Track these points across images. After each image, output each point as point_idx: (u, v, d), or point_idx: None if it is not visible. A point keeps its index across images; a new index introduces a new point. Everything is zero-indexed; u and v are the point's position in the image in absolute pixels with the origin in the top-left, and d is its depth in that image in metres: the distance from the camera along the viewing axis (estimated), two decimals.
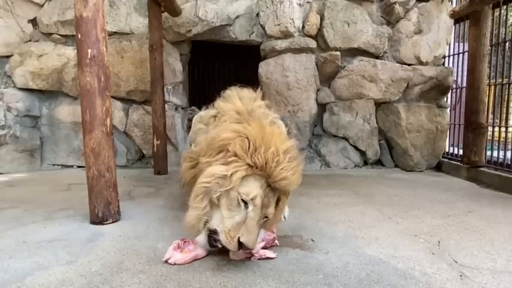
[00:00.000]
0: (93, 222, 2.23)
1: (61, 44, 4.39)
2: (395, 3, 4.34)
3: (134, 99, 4.50)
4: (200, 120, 2.28)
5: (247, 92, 2.25)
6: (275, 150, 1.58)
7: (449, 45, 4.72)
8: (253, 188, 1.56)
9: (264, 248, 1.77)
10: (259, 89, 2.32)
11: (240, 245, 1.51)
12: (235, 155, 1.59)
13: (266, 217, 1.63)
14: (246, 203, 1.56)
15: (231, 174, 1.56)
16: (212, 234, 1.64)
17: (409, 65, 4.51)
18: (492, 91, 4.01)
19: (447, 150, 4.77)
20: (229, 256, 1.70)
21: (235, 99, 2.10)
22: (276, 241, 1.87)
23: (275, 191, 1.64)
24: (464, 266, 1.69)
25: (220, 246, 1.60)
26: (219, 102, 2.18)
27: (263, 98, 2.28)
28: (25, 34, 4.34)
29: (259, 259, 1.71)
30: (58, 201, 2.80)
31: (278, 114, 2.29)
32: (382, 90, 4.48)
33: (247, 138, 1.62)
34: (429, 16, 4.46)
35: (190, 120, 2.73)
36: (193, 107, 2.95)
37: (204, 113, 2.32)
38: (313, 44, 4.41)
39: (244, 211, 1.56)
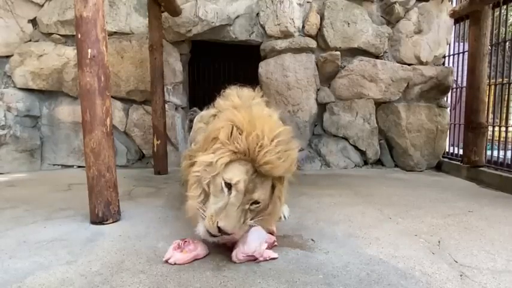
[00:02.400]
0: (93, 222, 2.23)
1: (61, 44, 4.39)
2: (395, 3, 4.34)
3: (134, 99, 4.50)
4: (201, 120, 2.30)
5: (246, 91, 2.26)
6: (259, 134, 1.59)
7: (450, 45, 4.71)
8: (236, 174, 1.59)
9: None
10: (257, 88, 2.33)
11: (221, 230, 1.54)
12: (220, 142, 1.64)
13: (257, 202, 1.63)
14: (229, 188, 1.59)
15: (216, 161, 1.60)
16: None
17: (409, 64, 4.51)
18: (492, 91, 4.01)
19: (447, 150, 4.77)
20: (231, 259, 1.69)
21: (234, 97, 2.11)
22: (275, 242, 1.86)
23: (264, 177, 1.63)
24: (464, 265, 1.69)
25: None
26: (219, 101, 2.19)
27: (262, 97, 2.28)
28: (25, 34, 4.34)
29: (264, 260, 1.69)
30: (58, 201, 2.80)
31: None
32: (382, 90, 4.48)
33: (233, 124, 1.65)
34: (429, 16, 4.46)
35: (191, 121, 2.74)
36: (194, 108, 2.96)
37: (205, 113, 2.34)
38: (313, 43, 4.41)
39: (227, 197, 1.59)
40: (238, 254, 1.67)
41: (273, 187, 1.71)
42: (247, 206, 1.62)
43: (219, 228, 1.54)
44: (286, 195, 1.84)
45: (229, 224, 1.53)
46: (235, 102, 2.02)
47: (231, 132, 1.64)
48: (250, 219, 1.67)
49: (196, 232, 1.68)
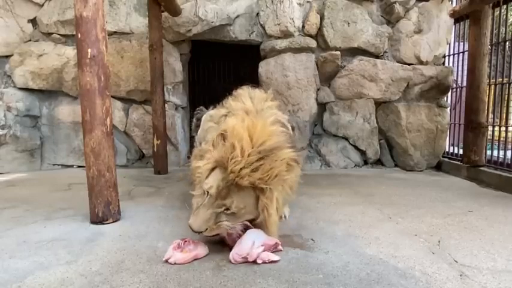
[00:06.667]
0: (93, 222, 2.23)
1: (61, 43, 4.39)
2: (395, 2, 4.34)
3: (134, 99, 4.50)
4: (210, 119, 2.31)
5: (258, 92, 2.26)
6: (235, 144, 1.63)
7: (450, 44, 4.71)
8: (212, 179, 1.68)
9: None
10: (270, 90, 2.35)
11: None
12: (208, 149, 1.79)
13: (227, 209, 1.65)
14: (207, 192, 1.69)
15: (203, 166, 1.74)
16: None
17: (409, 64, 4.50)
18: (492, 90, 4.00)
19: (447, 149, 4.77)
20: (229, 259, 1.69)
21: (246, 98, 2.13)
22: (280, 246, 1.81)
23: (241, 186, 1.64)
24: (464, 265, 1.69)
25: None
26: (230, 102, 2.21)
27: (274, 99, 2.28)
28: (25, 34, 4.34)
29: (263, 262, 1.67)
30: (58, 201, 2.80)
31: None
32: (382, 90, 4.48)
33: (221, 133, 1.74)
34: (429, 15, 4.46)
35: (199, 119, 2.76)
36: (201, 107, 2.98)
37: (214, 112, 2.35)
38: (313, 43, 4.41)
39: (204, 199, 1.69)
40: (233, 254, 1.67)
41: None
42: (219, 210, 1.66)
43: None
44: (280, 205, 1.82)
45: (194, 223, 1.64)
46: (247, 105, 2.04)
47: (213, 142, 1.76)
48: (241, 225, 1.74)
49: None
